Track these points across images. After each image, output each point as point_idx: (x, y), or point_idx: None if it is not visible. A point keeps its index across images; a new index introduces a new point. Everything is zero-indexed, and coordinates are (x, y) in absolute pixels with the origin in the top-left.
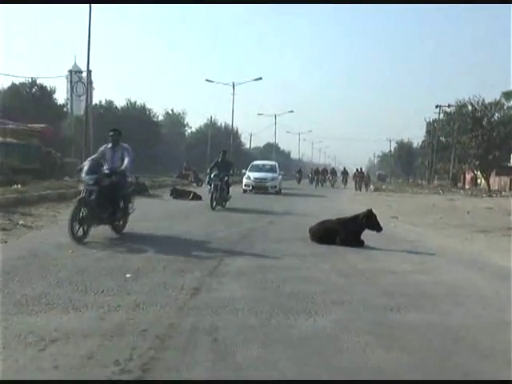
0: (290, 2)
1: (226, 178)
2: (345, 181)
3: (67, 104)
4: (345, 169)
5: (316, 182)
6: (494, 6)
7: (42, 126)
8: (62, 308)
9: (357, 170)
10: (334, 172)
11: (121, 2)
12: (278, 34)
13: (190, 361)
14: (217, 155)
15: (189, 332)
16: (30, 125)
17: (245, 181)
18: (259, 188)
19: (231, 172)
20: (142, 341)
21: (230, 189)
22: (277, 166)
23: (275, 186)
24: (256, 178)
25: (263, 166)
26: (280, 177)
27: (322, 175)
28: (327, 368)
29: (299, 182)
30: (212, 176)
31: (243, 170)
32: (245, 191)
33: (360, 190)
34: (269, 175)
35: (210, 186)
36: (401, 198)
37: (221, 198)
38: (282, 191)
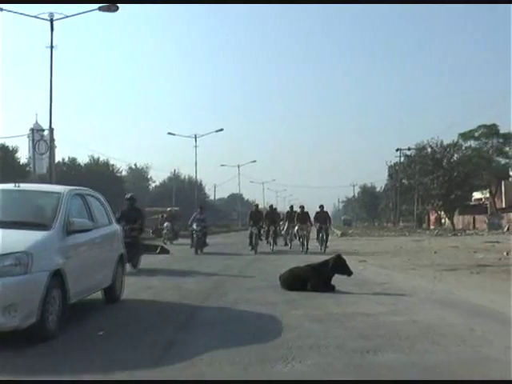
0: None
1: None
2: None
3: (29, 163)
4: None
5: (253, 240)
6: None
7: None
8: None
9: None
10: (290, 216)
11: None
12: (239, 86)
13: None
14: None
15: None
16: None
17: None
18: None
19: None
20: None
21: None
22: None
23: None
24: None
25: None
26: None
27: (271, 223)
28: None
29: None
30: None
31: None
32: None
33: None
34: None
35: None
36: (368, 241)
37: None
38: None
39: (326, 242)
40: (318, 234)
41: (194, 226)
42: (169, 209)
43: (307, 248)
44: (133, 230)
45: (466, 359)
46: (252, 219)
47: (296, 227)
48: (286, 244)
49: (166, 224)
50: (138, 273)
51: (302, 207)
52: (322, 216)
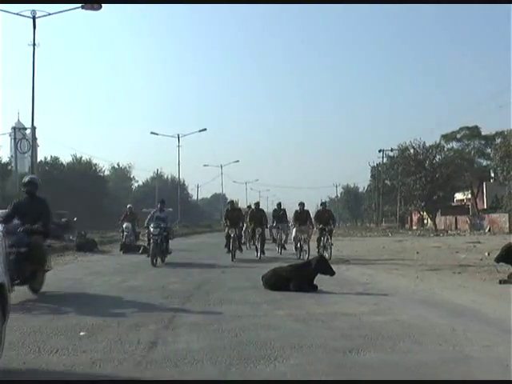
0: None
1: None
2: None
3: (11, 162)
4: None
5: (232, 244)
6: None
7: None
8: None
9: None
10: (278, 215)
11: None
12: (223, 86)
13: None
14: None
15: None
16: None
17: None
18: None
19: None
20: None
21: None
22: None
23: None
24: None
25: None
26: None
27: (257, 225)
28: None
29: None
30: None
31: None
32: None
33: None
34: None
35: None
36: (350, 241)
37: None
38: None
39: (331, 247)
40: (319, 238)
41: (151, 229)
42: (129, 206)
43: (308, 254)
44: (32, 234)
45: (447, 358)
46: (228, 219)
47: (294, 229)
48: (276, 243)
49: (125, 225)
50: (36, 305)
51: (301, 204)
52: (325, 216)
